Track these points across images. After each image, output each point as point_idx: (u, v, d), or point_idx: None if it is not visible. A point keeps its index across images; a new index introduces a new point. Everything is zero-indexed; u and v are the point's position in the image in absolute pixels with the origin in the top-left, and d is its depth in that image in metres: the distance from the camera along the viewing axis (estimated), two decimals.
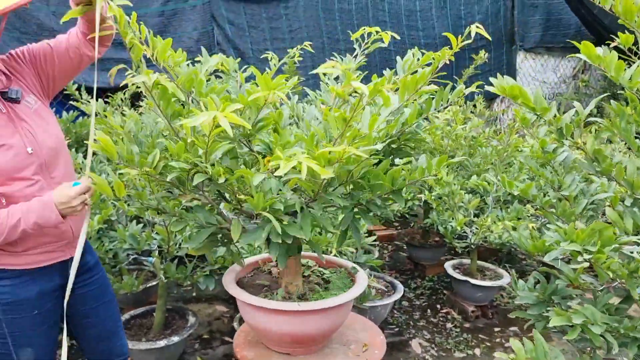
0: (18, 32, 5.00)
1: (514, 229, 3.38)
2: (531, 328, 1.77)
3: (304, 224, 1.64)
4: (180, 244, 2.96)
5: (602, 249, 1.45)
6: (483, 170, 4.29)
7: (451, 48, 1.83)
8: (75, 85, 4.27)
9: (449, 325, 3.89)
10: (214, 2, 5.54)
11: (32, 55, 1.86)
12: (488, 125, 5.96)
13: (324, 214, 1.79)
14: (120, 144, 1.57)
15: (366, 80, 1.75)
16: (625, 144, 2.72)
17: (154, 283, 3.66)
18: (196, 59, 1.90)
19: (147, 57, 1.67)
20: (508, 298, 4.34)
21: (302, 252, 2.20)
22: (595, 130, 2.88)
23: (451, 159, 1.75)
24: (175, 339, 2.96)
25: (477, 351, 3.50)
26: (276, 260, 1.76)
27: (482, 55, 5.67)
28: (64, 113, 4.32)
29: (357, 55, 2.22)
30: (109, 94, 4.43)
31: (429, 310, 4.14)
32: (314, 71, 1.71)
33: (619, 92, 1.92)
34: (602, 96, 2.08)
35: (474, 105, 6.01)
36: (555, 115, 1.76)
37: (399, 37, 1.89)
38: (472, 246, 3.84)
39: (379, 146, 1.51)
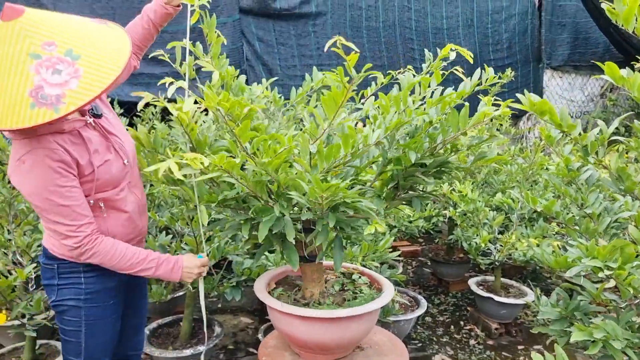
0: None
1: (538, 246, 3.38)
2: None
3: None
4: (208, 254, 3.03)
5: (623, 265, 1.48)
6: (508, 188, 4.30)
7: (482, 67, 1.89)
8: (109, 99, 4.40)
9: (472, 342, 3.89)
10: (244, 20, 5.67)
11: None
12: (514, 143, 5.96)
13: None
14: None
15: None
16: None
17: (181, 293, 3.74)
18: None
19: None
20: (532, 316, 4.31)
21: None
22: (622, 149, 2.88)
23: (478, 174, 1.81)
24: (201, 348, 3.02)
25: None
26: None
27: (509, 74, 5.68)
28: None
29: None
30: (142, 109, 4.56)
31: (452, 327, 4.14)
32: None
33: None
34: (625, 115, 2.10)
35: (500, 123, 6.02)
36: (580, 133, 1.80)
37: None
38: (497, 263, 3.85)
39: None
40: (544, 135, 2.08)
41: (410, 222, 4.16)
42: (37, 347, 2.90)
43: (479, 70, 1.88)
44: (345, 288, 2.24)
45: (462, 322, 4.22)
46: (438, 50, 1.99)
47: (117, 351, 2.20)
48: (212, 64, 2.15)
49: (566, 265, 1.72)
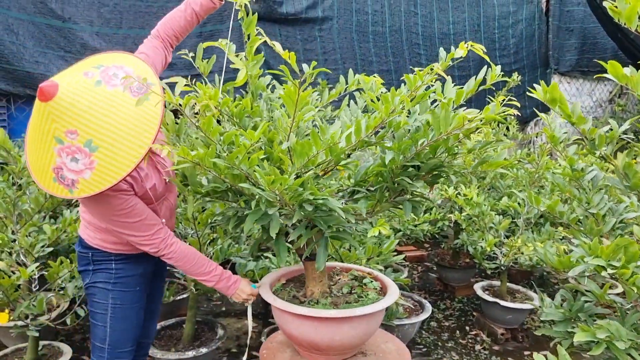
0: (63, 51, 5.22)
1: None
2: None
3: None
4: (211, 257, 3.03)
5: (627, 264, 1.46)
6: (514, 193, 4.26)
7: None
8: None
9: (477, 347, 3.85)
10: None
11: None
12: (521, 148, 5.92)
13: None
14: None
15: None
16: None
17: (185, 295, 3.74)
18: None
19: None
20: (539, 321, 4.27)
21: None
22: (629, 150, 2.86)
23: (482, 180, 1.79)
24: (204, 350, 3.01)
25: None
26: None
27: (516, 78, 5.67)
28: None
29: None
30: None
31: (457, 332, 4.11)
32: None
33: None
34: (637, 117, 2.08)
35: (507, 128, 5.99)
36: (589, 128, 1.78)
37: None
38: (502, 268, 3.81)
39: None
40: (548, 135, 2.06)
41: (415, 225, 4.14)
42: (39, 348, 2.90)
43: (484, 68, 1.87)
44: (353, 291, 2.22)
45: (467, 327, 4.19)
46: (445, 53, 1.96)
47: (142, 336, 2.32)
48: (245, 60, 2.16)
49: (569, 265, 1.70)
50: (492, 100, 1.76)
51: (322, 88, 2.56)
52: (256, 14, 2.12)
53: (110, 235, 2.02)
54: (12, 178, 3.01)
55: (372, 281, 2.32)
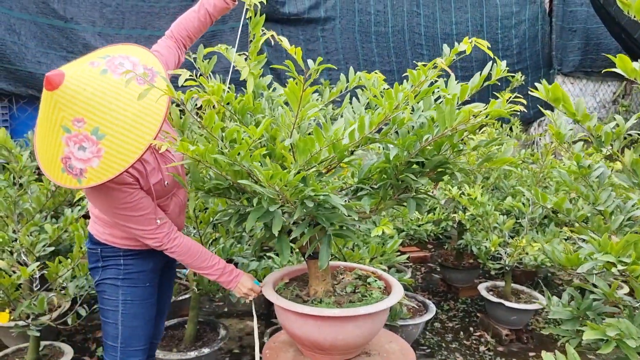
0: (65, 52, 5.20)
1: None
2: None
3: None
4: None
5: (638, 260, 1.43)
6: (518, 192, 4.24)
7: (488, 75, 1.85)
8: None
9: (482, 348, 3.82)
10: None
11: None
12: (525, 149, 5.89)
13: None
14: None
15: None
16: None
17: (187, 296, 3.72)
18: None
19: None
20: (544, 322, 4.24)
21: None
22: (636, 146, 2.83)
23: (486, 180, 1.77)
24: (206, 350, 2.98)
25: None
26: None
27: (519, 78, 5.64)
28: None
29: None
30: None
31: (461, 333, 4.08)
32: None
33: None
34: None
35: (510, 129, 5.96)
36: (595, 125, 1.76)
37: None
38: (507, 268, 3.78)
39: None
40: (554, 132, 2.04)
41: (419, 225, 4.11)
42: (40, 349, 2.88)
43: (489, 64, 1.84)
44: (357, 290, 2.20)
45: (471, 329, 4.15)
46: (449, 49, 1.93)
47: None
48: (249, 59, 2.17)
49: (578, 263, 1.67)
50: (498, 97, 1.74)
51: (324, 87, 2.55)
52: (264, 14, 2.12)
53: (118, 230, 2.02)
54: (14, 177, 3.00)
55: (376, 280, 2.29)
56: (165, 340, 3.16)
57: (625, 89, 7.89)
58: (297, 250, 2.83)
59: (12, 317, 2.65)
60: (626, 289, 4.07)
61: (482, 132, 4.63)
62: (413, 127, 1.89)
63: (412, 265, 5.49)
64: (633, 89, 7.90)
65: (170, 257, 2.07)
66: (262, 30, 2.09)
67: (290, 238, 1.97)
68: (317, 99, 2.44)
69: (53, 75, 1.57)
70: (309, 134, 2.02)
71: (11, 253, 2.77)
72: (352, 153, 1.95)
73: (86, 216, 2.75)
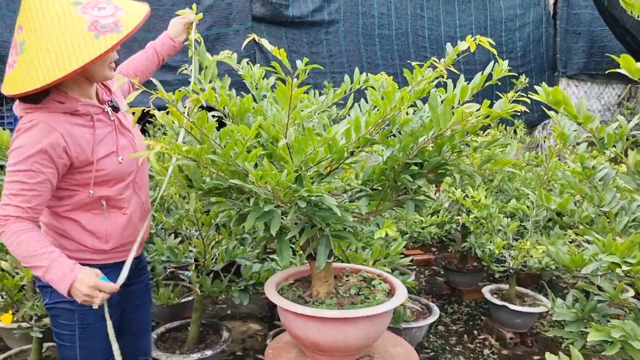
0: None
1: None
2: None
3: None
4: (216, 259, 3.00)
5: None
6: (523, 195, 4.22)
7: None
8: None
9: (486, 351, 3.80)
10: (256, 27, 5.67)
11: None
12: (529, 152, 5.87)
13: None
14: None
15: None
16: None
17: (190, 298, 3.71)
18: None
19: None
20: (549, 325, 4.22)
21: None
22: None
23: (491, 182, 1.76)
24: (209, 353, 2.97)
25: None
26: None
27: (523, 80, 5.63)
28: None
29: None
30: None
31: (465, 336, 4.06)
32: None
33: None
34: None
35: (515, 131, 5.95)
36: (597, 127, 1.75)
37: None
38: (511, 271, 3.77)
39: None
40: (558, 132, 2.03)
41: (423, 228, 4.10)
42: (43, 350, 2.87)
43: (491, 63, 1.83)
44: (360, 292, 2.19)
45: (475, 332, 4.14)
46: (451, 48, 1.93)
47: (126, 357, 2.09)
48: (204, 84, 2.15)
49: (582, 264, 1.66)
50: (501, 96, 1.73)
51: (328, 89, 2.55)
52: (202, 44, 2.16)
53: (68, 241, 1.84)
54: None
55: (380, 283, 2.28)
56: (168, 342, 3.15)
57: (630, 92, 7.87)
58: (301, 250, 2.83)
59: (15, 319, 2.64)
60: (631, 292, 4.05)
61: (485, 135, 4.62)
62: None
63: (415, 268, 5.47)
64: (638, 92, 7.87)
65: (136, 272, 2.01)
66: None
67: (287, 238, 1.96)
68: (323, 101, 2.44)
69: None
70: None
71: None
72: (351, 154, 1.94)
73: None
